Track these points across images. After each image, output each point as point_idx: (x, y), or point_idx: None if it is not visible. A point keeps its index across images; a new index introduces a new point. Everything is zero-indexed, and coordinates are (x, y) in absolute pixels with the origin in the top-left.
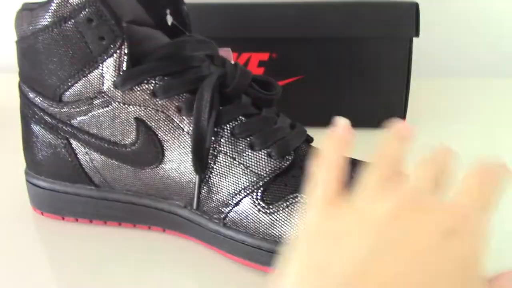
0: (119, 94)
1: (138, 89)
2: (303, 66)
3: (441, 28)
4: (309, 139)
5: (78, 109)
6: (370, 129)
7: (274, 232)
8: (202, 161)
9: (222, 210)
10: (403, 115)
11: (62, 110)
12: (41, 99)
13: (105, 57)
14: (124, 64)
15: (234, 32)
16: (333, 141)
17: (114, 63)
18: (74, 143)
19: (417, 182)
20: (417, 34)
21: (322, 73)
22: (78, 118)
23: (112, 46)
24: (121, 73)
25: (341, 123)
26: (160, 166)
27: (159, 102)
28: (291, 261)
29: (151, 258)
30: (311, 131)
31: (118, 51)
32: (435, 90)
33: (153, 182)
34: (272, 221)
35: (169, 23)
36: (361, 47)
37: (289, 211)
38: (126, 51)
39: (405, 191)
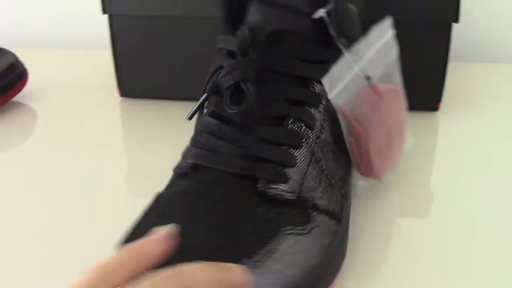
0: None
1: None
2: None
3: (482, 13)
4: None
5: None
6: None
7: None
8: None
9: None
10: (439, 99)
11: None
12: None
13: None
14: None
15: None
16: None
17: None
18: None
19: None
20: (456, 19)
21: None
22: None
23: None
24: None
25: (159, 234)
26: None
27: None
28: None
29: None
30: None
31: None
32: (473, 75)
33: None
34: None
35: (317, 15)
36: (400, 31)
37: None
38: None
39: None
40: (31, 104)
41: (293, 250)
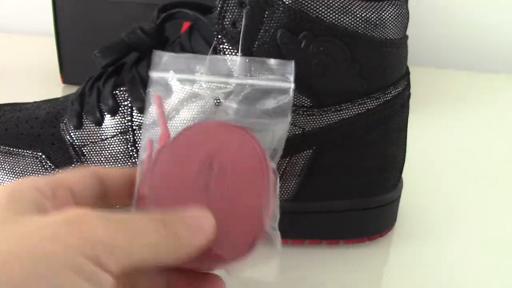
0: None
1: None
2: None
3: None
4: None
5: None
6: None
7: None
8: None
9: None
10: None
11: None
12: None
13: None
14: None
15: None
16: None
17: None
18: None
19: None
20: None
21: None
22: None
23: None
24: None
25: None
26: None
27: None
28: None
29: None
30: None
31: None
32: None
33: None
34: None
35: None
36: None
37: None
38: None
39: None
40: None
41: None
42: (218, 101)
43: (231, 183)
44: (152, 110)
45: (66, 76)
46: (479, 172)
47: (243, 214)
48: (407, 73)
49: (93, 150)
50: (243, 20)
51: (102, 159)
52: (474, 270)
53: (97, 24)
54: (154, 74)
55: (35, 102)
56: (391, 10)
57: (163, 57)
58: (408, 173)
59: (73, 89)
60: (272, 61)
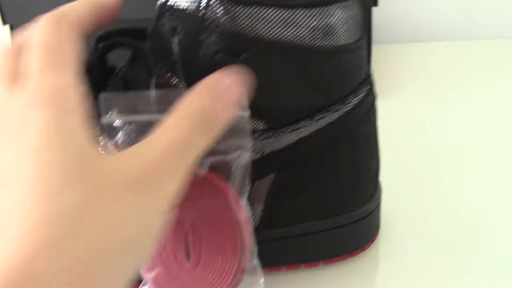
0: None
1: None
2: None
3: None
4: None
5: None
6: None
7: None
8: None
9: None
10: None
11: None
12: None
13: None
14: None
15: None
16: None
17: None
18: None
19: None
20: (375, 3)
21: None
22: None
23: None
24: None
25: None
26: None
27: None
28: None
29: None
30: None
31: None
32: (397, 56)
33: None
34: None
35: None
36: None
37: None
38: None
39: None
40: None
41: None
42: None
43: (206, 243)
44: None
45: None
46: (464, 161)
47: (220, 270)
48: (369, 75)
49: None
50: (178, 48)
51: None
52: (471, 269)
53: None
54: (104, 120)
55: None
56: (339, 14)
57: (107, 100)
58: (386, 173)
59: None
60: None
